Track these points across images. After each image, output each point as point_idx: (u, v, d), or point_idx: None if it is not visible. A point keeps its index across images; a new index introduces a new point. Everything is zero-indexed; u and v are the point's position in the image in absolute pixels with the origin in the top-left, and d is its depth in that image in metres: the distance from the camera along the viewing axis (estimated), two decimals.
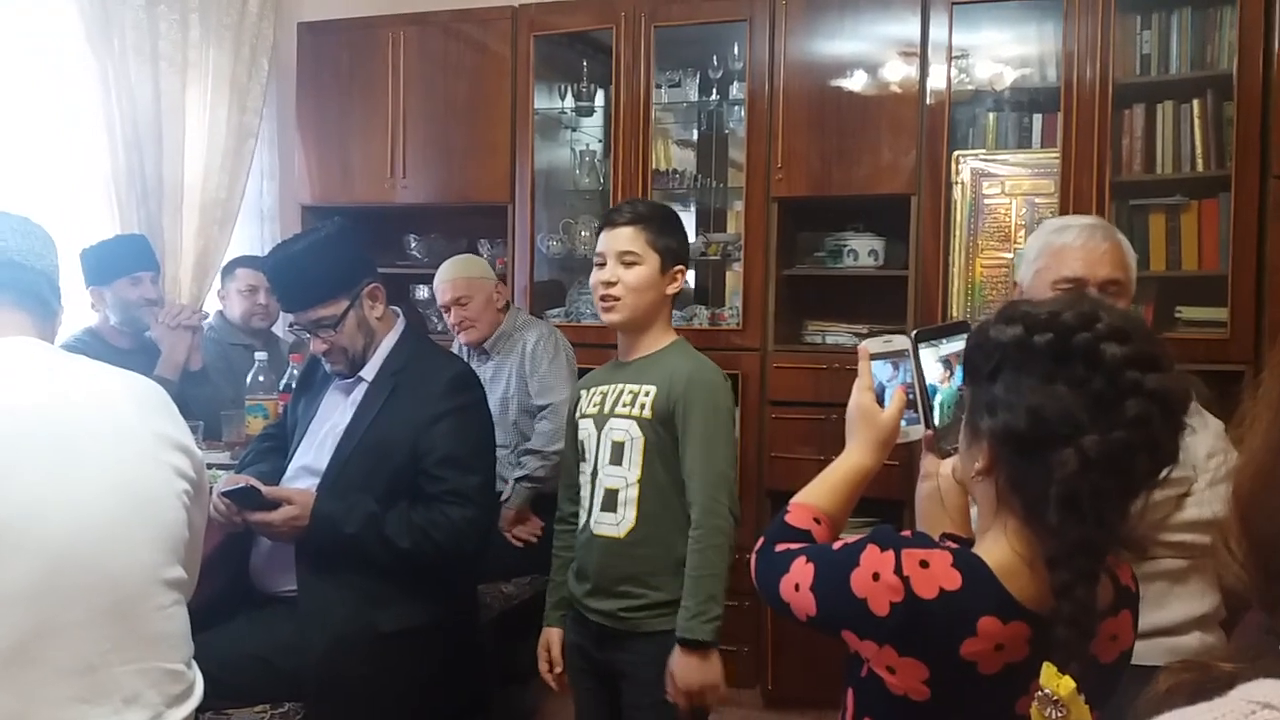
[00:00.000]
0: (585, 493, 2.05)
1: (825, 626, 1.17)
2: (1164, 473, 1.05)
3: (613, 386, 2.03)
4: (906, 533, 1.16)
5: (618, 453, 1.98)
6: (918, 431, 1.34)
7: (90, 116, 3.43)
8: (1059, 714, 0.98)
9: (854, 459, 1.33)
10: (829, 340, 3.43)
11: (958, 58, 3.25)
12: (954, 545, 1.16)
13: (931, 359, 1.33)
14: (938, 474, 1.33)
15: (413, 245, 4.04)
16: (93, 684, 1.45)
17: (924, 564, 1.08)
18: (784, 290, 3.45)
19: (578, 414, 2.09)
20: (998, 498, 1.11)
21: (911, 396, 1.33)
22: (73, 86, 3.41)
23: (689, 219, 3.93)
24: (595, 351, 3.48)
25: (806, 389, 3.30)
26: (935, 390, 1.32)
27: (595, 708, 2.09)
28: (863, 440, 1.33)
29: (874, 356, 1.34)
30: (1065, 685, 0.98)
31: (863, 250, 3.37)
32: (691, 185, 3.84)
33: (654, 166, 3.63)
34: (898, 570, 1.08)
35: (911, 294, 3.24)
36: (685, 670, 1.90)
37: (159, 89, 3.62)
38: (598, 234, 2.07)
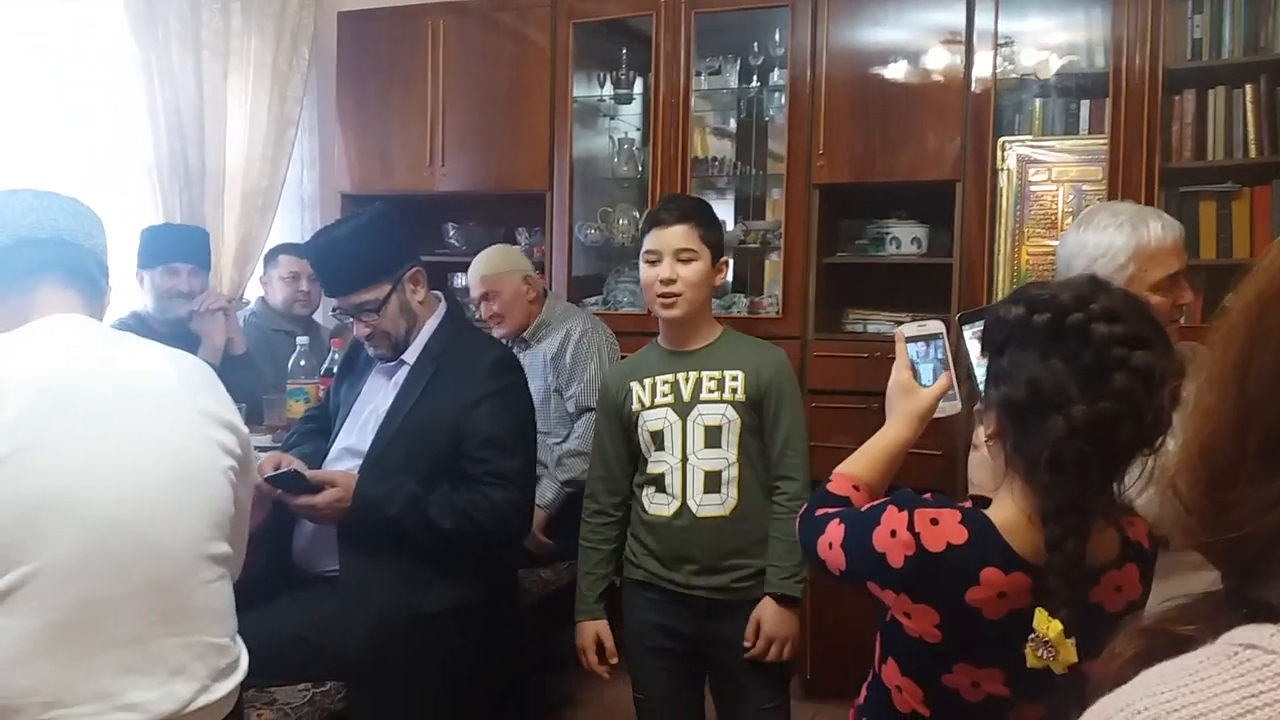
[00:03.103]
0: (672, 479, 2.12)
1: (853, 579, 1.32)
2: (1158, 441, 1.15)
3: (684, 375, 2.13)
4: (927, 495, 1.29)
5: (714, 436, 2.10)
6: (953, 408, 1.46)
7: (134, 105, 3.45)
8: (1049, 654, 1.11)
9: (892, 432, 1.46)
10: (870, 329, 3.40)
11: (1003, 45, 3.21)
12: (967, 505, 1.27)
13: (971, 338, 1.41)
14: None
15: (451, 233, 4.05)
16: (140, 655, 1.46)
17: (934, 521, 1.21)
18: (824, 278, 3.41)
19: (633, 405, 2.16)
20: (1006, 461, 1.23)
21: (948, 375, 1.45)
22: (117, 75, 3.44)
23: (728, 207, 3.91)
24: (634, 339, 3.46)
25: (847, 378, 3.26)
26: (981, 367, 1.38)
27: (677, 682, 2.19)
28: (900, 415, 1.46)
29: (909, 339, 1.47)
30: (1054, 628, 1.11)
31: (905, 238, 3.34)
32: (731, 173, 3.82)
33: (693, 154, 3.61)
34: (910, 527, 1.22)
35: (956, 282, 3.20)
36: (778, 622, 2.08)
37: (201, 78, 3.64)
38: (644, 231, 2.15)
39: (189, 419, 1.58)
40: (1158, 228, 1.88)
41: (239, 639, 1.66)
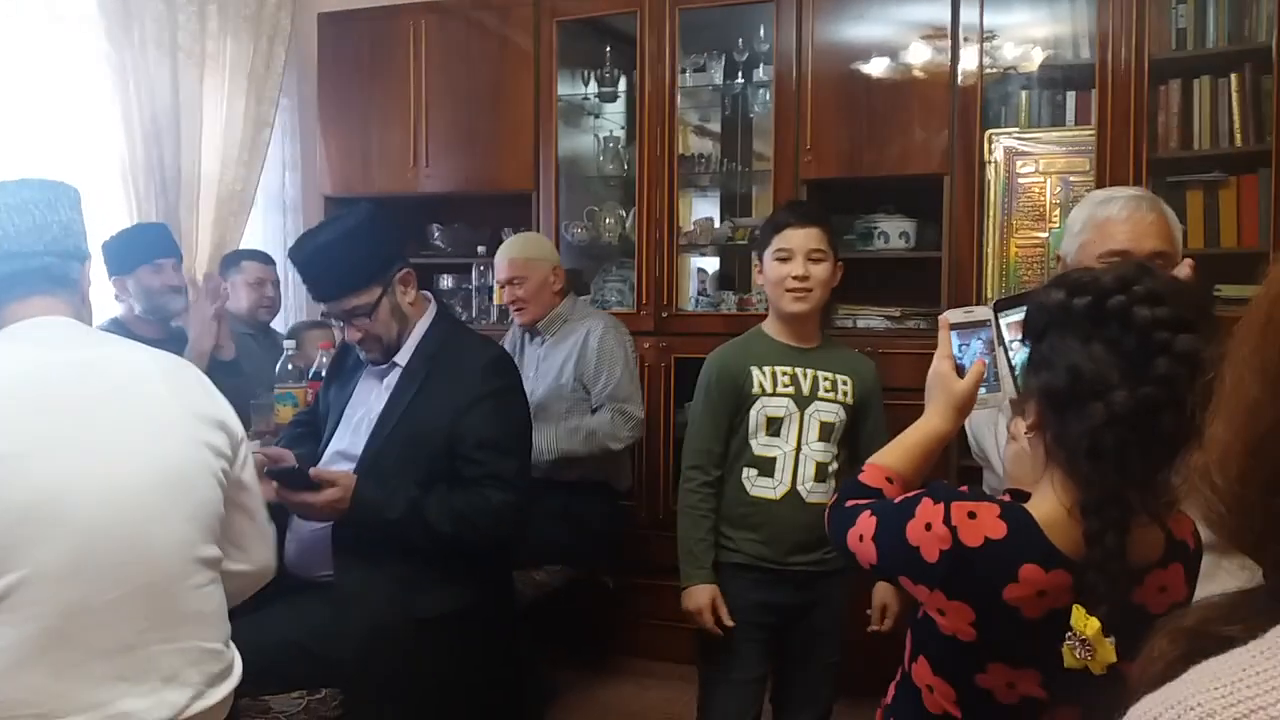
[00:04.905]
0: (783, 465, 2.27)
1: (885, 573, 1.30)
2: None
3: (803, 370, 2.29)
4: (964, 488, 1.25)
5: (826, 432, 2.28)
6: (995, 399, 1.41)
7: (108, 108, 3.40)
8: (1086, 653, 1.08)
9: (930, 424, 1.41)
10: (860, 324, 3.37)
11: (989, 38, 3.21)
12: (1006, 499, 1.23)
13: (1008, 327, 1.37)
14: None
15: (436, 235, 4.01)
16: (131, 663, 1.43)
17: (972, 515, 1.17)
18: None
19: (753, 388, 2.28)
20: (1046, 453, 1.18)
21: (990, 365, 1.39)
22: (90, 78, 3.39)
23: (713, 204, 3.90)
24: None
25: None
26: (1020, 356, 1.34)
27: (761, 654, 2.33)
28: (939, 406, 1.40)
29: (954, 326, 1.41)
30: (1091, 626, 1.08)
31: (894, 232, 3.33)
32: (716, 170, 3.80)
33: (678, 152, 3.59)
34: (946, 520, 1.18)
35: (945, 276, 3.20)
36: (897, 598, 2.25)
37: (177, 80, 3.60)
38: (770, 232, 2.31)
39: (176, 420, 1.54)
40: (1117, 205, 1.87)
41: (232, 644, 1.63)
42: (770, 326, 2.36)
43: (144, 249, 3.01)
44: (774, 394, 2.28)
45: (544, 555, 2.90)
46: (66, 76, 3.36)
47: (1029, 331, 1.23)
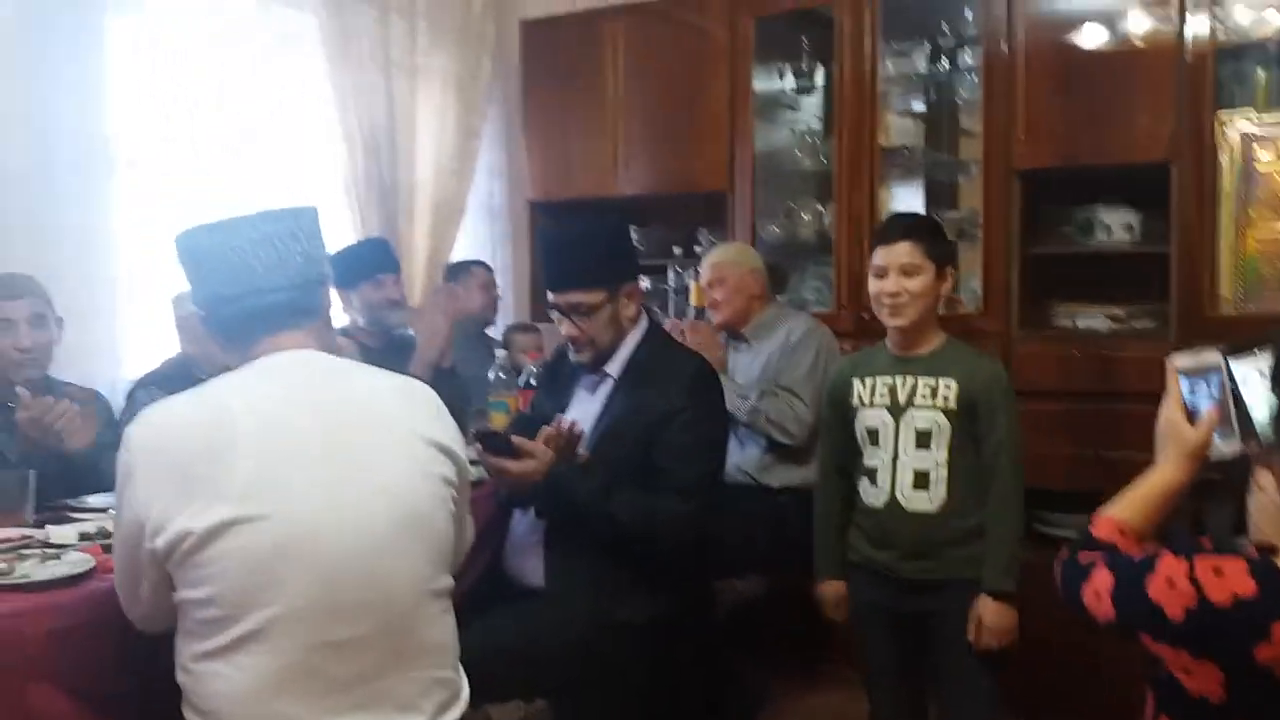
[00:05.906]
0: (884, 475, 2.33)
1: (1123, 630, 1.25)
2: None
3: (902, 379, 2.32)
4: (1205, 540, 1.24)
5: (924, 439, 2.30)
6: (1230, 447, 1.33)
7: (331, 125, 3.60)
8: None
9: (1163, 475, 1.37)
10: (1081, 324, 3.20)
11: (1218, 2, 2.95)
12: (1252, 553, 1.18)
13: (1251, 373, 1.30)
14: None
15: (634, 237, 4.05)
16: (368, 693, 1.49)
17: (1218, 571, 1.14)
18: (1028, 270, 3.24)
19: (853, 400, 2.38)
20: None
21: (1225, 412, 1.32)
22: (315, 96, 3.59)
23: (916, 196, 3.76)
24: None
25: (1056, 377, 3.08)
26: (1259, 404, 1.28)
27: (890, 651, 2.39)
28: (1172, 456, 1.36)
29: (1182, 372, 1.36)
30: None
31: (1116, 224, 3.13)
32: (920, 161, 3.67)
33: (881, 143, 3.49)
34: (1191, 577, 1.14)
35: (1174, 273, 2.99)
36: (998, 618, 2.23)
37: (391, 94, 3.77)
38: (873, 248, 2.36)
39: (414, 454, 1.58)
40: None
41: (460, 668, 1.68)
42: (887, 337, 2.40)
43: (366, 265, 3.17)
44: (870, 406, 2.35)
45: (744, 562, 2.92)
46: (294, 96, 3.58)
47: (1277, 378, 1.19)
